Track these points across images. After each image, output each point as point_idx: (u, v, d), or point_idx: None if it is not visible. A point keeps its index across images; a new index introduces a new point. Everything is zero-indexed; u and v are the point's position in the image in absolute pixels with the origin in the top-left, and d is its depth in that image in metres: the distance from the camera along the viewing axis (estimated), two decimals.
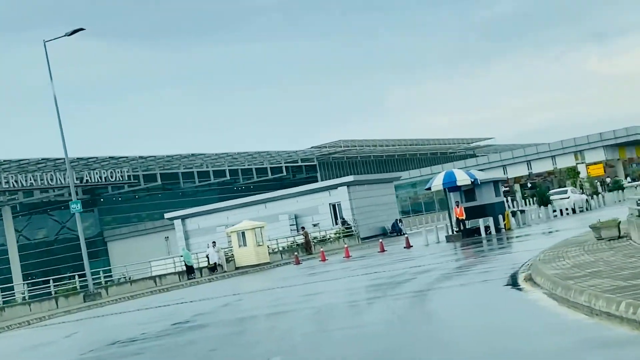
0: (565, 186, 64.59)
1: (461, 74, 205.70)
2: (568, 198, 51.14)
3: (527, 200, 63.97)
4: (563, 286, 12.17)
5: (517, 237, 35.22)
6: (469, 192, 41.58)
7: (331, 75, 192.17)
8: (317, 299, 20.46)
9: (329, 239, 53.34)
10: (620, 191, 59.62)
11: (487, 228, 39.89)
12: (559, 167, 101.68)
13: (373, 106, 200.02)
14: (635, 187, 28.13)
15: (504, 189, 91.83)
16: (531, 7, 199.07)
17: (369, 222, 58.83)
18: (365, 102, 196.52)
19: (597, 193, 56.94)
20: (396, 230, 59.11)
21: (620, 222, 19.55)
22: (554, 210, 48.02)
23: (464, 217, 40.55)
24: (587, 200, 52.76)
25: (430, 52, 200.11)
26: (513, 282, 16.28)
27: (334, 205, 59.18)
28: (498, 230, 40.48)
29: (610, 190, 60.17)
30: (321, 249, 43.48)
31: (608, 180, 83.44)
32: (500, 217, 41.42)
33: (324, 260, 41.18)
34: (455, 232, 40.73)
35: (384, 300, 17.06)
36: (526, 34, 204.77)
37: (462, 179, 40.24)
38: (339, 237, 53.86)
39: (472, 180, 40.19)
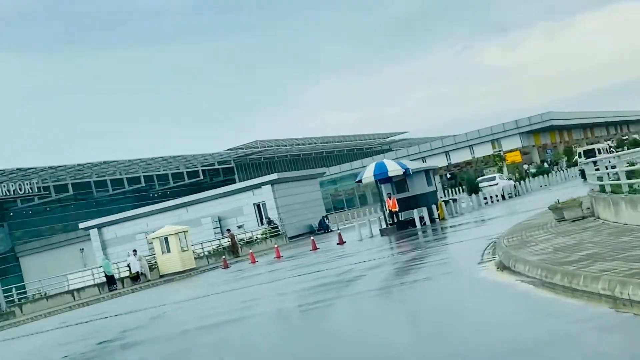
0: (483, 175, 64.17)
1: (369, 69, 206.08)
2: (497, 184, 50.36)
3: (454, 189, 63.14)
4: (563, 273, 10.51)
5: (455, 226, 33.88)
6: (401, 183, 40.12)
7: (241, 76, 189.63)
8: (263, 304, 18.43)
9: (255, 240, 51.20)
10: (544, 176, 59.37)
11: (421, 219, 38.51)
12: (477, 157, 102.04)
13: (286, 105, 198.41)
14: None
15: (449, 175, 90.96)
16: (435, 2, 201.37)
17: (295, 220, 56.94)
18: (278, 102, 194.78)
19: (523, 178, 56.45)
20: (324, 228, 57.40)
21: (582, 201, 18.16)
22: (485, 198, 47.07)
23: (397, 209, 39.08)
24: (514, 186, 52.13)
25: (339, 48, 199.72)
26: (485, 273, 14.62)
27: (258, 205, 57.04)
28: (432, 220, 39.17)
29: (534, 176, 59.85)
30: (250, 251, 41.31)
31: (526, 167, 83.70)
32: (434, 207, 40.12)
33: (254, 262, 39.10)
34: (389, 225, 39.21)
35: (344, 301, 15.18)
36: (430, 28, 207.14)
37: (394, 169, 38.73)
38: (266, 238, 51.79)
39: (404, 170, 38.73)
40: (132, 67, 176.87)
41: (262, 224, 56.06)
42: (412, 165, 40.36)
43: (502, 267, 14.32)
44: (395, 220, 39.02)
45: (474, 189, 47.75)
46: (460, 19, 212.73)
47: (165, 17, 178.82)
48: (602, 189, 18.43)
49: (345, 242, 37.71)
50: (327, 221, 59.23)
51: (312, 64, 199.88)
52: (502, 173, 58.34)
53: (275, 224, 54.97)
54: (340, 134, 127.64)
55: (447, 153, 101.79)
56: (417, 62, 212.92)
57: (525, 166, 72.84)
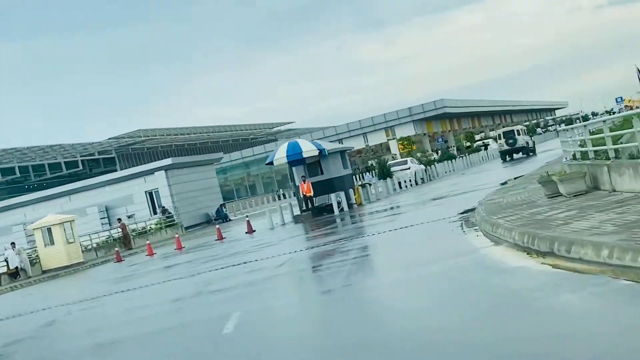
0: (374, 164, 61.75)
1: (252, 62, 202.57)
2: (409, 169, 47.65)
3: (361, 175, 60.20)
4: None
5: (379, 212, 30.69)
6: (314, 165, 36.72)
7: (128, 67, 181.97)
8: (199, 305, 14.49)
9: (149, 230, 46.63)
10: (450, 161, 57.33)
11: (338, 204, 35.17)
12: (370, 145, 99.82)
13: (172, 98, 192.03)
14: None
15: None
16: None
17: (192, 209, 52.55)
18: (163, 94, 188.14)
19: (431, 163, 54.04)
20: (221, 217, 53.28)
21: (585, 172, 15.08)
22: (399, 182, 44.16)
23: (312, 194, 35.61)
24: (425, 170, 49.63)
25: (221, 41, 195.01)
26: (493, 261, 11.27)
27: (151, 193, 52.32)
28: (350, 206, 35.91)
29: (439, 161, 57.67)
30: (147, 242, 36.80)
31: (419, 155, 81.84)
32: (351, 191, 36.87)
33: (151, 254, 34.76)
34: (303, 212, 35.70)
35: (322, 303, 11.53)
36: (313, 21, 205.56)
37: (309, 149, 35.24)
38: (161, 228, 47.31)
39: (320, 150, 35.28)
40: (9, 59, 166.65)
41: (155, 213, 51.43)
42: (328, 146, 36.92)
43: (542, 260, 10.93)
44: (310, 205, 35.55)
45: (385, 173, 44.74)
46: (342, 12, 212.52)
47: (46, 8, 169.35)
48: (584, 156, 15.81)
49: (255, 230, 34.00)
50: (224, 210, 55.16)
51: (196, 56, 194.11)
52: (412, 157, 55.71)
53: (169, 213, 50.47)
54: (225, 124, 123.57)
55: (340, 141, 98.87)
56: (302, 54, 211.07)
57: (430, 151, 70.84)
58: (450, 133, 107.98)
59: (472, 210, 19.77)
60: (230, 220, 52.94)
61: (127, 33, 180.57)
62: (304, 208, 35.68)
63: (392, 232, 19.77)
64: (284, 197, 70.66)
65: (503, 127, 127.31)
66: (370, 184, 40.29)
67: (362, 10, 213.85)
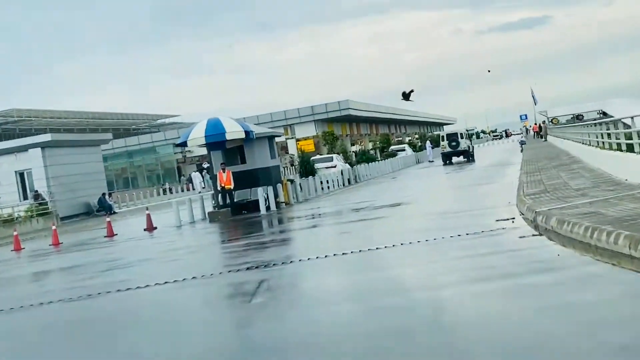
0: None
1: (139, 53, 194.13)
2: (335, 167, 41.14)
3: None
4: None
5: (319, 216, 24.00)
6: (233, 152, 29.63)
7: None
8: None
9: (17, 218, 38.07)
10: (369, 163, 51.16)
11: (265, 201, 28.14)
12: None
13: (46, 80, 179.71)
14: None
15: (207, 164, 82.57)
16: None
17: (70, 196, 43.96)
18: (34, 77, 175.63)
19: (351, 165, 47.48)
20: (105, 208, 45.00)
21: None
22: (327, 182, 37.33)
23: (231, 187, 28.40)
24: (352, 169, 43.20)
25: (103, 31, 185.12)
26: None
27: (22, 174, 43.45)
28: (278, 205, 28.96)
29: (358, 162, 51.34)
30: (15, 233, 28.39)
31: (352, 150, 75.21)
32: (279, 186, 29.91)
33: (18, 249, 26.68)
34: (219, 208, 28.48)
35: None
36: (205, 19, 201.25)
37: (233, 129, 27.98)
38: (32, 217, 38.82)
39: (247, 132, 28.13)
40: None
41: (25, 198, 42.61)
42: (255, 129, 29.71)
43: None
44: (229, 201, 28.34)
45: (309, 170, 37.92)
46: (235, 14, 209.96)
47: None
48: None
49: (156, 227, 26.61)
50: (110, 200, 46.95)
51: (77, 45, 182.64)
52: (338, 155, 49.08)
53: (43, 198, 41.92)
54: (107, 112, 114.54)
55: None
56: (191, 51, 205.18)
57: (353, 150, 64.27)
58: (349, 137, 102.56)
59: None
60: (115, 212, 44.83)
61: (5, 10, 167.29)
62: (221, 203, 28.42)
63: (354, 255, 12.97)
64: (170, 192, 63.00)
65: (397, 137, 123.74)
66: (292, 181, 33.21)
67: (255, 13, 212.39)
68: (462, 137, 52.78)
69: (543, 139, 73.22)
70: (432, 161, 62.30)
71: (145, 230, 26.53)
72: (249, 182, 28.81)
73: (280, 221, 24.34)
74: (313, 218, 23.60)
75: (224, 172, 28.28)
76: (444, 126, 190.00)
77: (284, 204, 29.71)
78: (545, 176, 23.30)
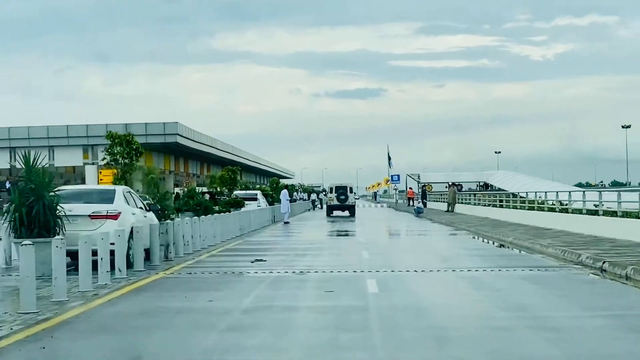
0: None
1: None
2: (260, 206, 37.09)
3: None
4: None
5: None
6: None
7: None
8: None
9: None
10: (202, 215, 26.94)
11: None
12: (59, 165, 66.35)
13: None
14: None
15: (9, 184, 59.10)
16: (37, 14, 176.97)
17: None
18: None
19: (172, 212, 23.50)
20: None
21: None
22: None
23: None
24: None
25: None
26: None
27: None
28: None
29: (181, 210, 27.24)
30: None
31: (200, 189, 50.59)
32: None
33: None
34: None
35: None
36: (33, 39, 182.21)
37: None
38: None
39: None
40: None
41: None
42: None
43: None
44: None
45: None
46: (64, 38, 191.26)
47: None
48: None
49: None
50: None
51: None
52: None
53: None
54: None
55: (12, 150, 64.39)
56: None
57: (200, 189, 38.30)
58: (173, 175, 78.44)
59: None
60: None
61: None
62: None
63: None
64: None
65: (241, 185, 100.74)
66: None
67: (91, 42, 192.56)
68: (351, 192, 52.70)
69: (448, 210, 51.80)
70: (288, 222, 39.11)
71: None
72: None
73: None
74: None
75: None
76: (283, 179, 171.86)
77: None
78: None
